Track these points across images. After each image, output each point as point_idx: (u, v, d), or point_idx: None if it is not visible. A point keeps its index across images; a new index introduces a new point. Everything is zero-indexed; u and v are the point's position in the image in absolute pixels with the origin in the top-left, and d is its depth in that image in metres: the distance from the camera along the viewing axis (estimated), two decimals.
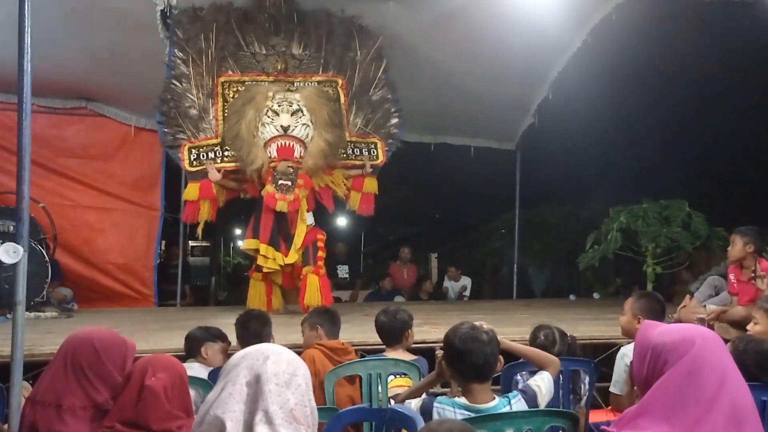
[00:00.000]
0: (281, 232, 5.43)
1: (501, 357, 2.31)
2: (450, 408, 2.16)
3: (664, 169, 7.81)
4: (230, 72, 5.74)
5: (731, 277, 4.34)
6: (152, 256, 6.94)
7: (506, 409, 2.18)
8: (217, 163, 5.58)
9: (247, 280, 5.83)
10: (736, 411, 1.47)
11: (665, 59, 6.38)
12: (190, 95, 5.60)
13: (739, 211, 6.59)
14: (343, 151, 5.84)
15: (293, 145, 5.50)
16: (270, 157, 5.46)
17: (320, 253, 5.58)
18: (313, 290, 5.36)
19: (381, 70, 6.04)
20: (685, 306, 4.51)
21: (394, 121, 6.10)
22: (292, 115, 5.52)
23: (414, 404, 2.28)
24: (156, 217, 6.97)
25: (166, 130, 5.61)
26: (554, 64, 6.58)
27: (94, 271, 6.65)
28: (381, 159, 6.01)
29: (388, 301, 7.37)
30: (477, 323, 2.28)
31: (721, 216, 6.25)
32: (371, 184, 5.96)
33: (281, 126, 5.47)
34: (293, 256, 5.40)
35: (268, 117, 5.50)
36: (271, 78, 5.76)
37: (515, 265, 8.27)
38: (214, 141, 5.62)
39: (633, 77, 6.68)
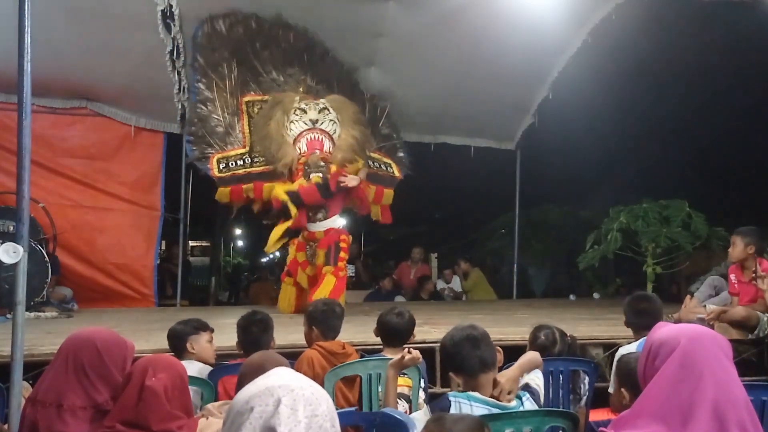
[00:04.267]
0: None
1: (500, 349, 2.32)
2: (466, 402, 2.11)
3: (664, 169, 7.81)
4: (253, 93, 6.03)
5: (732, 277, 4.35)
6: (152, 256, 6.93)
7: (520, 409, 2.17)
8: (246, 168, 5.69)
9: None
10: (722, 408, 1.45)
11: (665, 59, 6.38)
12: (215, 116, 5.87)
13: (739, 211, 6.58)
14: (368, 151, 6.10)
15: (322, 138, 5.71)
16: (300, 153, 5.61)
17: (342, 254, 5.52)
18: (326, 291, 5.24)
19: (384, 114, 6.52)
20: (685, 306, 4.51)
21: (401, 155, 6.58)
22: (319, 111, 5.81)
23: (423, 412, 2.18)
24: (156, 217, 6.95)
25: (194, 148, 5.82)
26: (554, 64, 6.59)
27: (94, 271, 6.64)
28: (398, 176, 6.36)
29: (388, 301, 7.36)
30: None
31: (721, 216, 6.25)
32: (389, 196, 6.20)
33: (310, 120, 5.71)
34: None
35: (296, 114, 5.75)
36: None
37: (515, 265, 8.27)
38: (243, 150, 5.82)
39: (633, 77, 6.68)
